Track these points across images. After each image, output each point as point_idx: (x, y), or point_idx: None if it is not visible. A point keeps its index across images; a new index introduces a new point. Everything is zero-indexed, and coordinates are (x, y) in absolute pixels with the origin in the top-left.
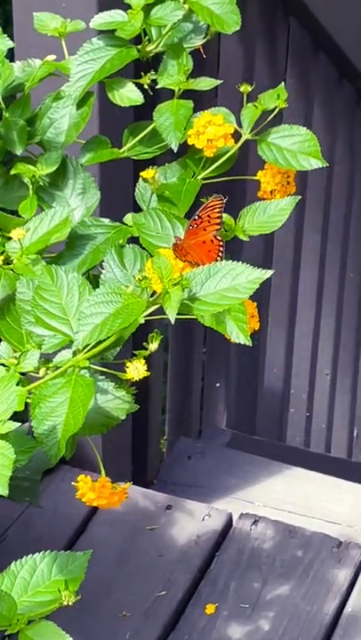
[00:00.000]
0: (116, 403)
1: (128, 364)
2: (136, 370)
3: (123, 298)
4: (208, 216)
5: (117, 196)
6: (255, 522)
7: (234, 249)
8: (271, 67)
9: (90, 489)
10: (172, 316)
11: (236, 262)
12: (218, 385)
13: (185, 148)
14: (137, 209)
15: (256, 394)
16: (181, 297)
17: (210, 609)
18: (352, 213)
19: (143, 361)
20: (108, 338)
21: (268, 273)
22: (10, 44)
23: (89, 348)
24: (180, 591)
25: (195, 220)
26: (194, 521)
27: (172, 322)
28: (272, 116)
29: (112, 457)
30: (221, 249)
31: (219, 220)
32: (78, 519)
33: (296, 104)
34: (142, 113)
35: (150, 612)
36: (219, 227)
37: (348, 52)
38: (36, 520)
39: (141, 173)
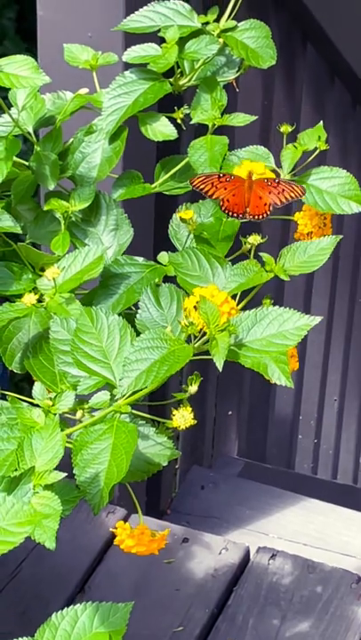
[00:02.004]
0: (158, 449)
1: (175, 411)
2: (183, 418)
3: (168, 344)
4: (283, 189)
5: (138, 231)
6: (273, 556)
7: None
8: (289, 93)
9: (128, 536)
10: (219, 363)
11: (282, 308)
12: (230, 413)
13: None
14: (159, 244)
15: (267, 421)
16: (229, 343)
17: None
18: None
19: (190, 409)
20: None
21: (317, 319)
22: (46, 79)
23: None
24: (198, 627)
25: (274, 180)
26: (211, 554)
27: (220, 369)
28: (312, 157)
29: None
30: (266, 215)
31: (286, 200)
32: (95, 551)
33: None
34: (166, 146)
35: None
36: (283, 202)
37: None
38: (51, 551)
39: (179, 214)
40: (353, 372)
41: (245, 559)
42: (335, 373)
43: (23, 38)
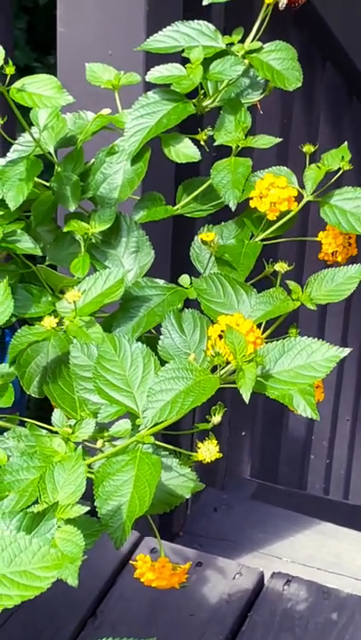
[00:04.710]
0: (181, 480)
1: (200, 444)
2: (208, 451)
3: (194, 374)
4: None
5: (156, 253)
6: (288, 581)
7: None
8: (307, 111)
9: (149, 569)
10: (246, 395)
11: (311, 339)
12: (243, 434)
13: (241, 206)
14: (177, 266)
15: (280, 441)
16: (256, 375)
17: None
18: None
19: (215, 442)
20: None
21: (346, 351)
22: (69, 99)
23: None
24: None
25: None
26: (225, 579)
27: (246, 402)
28: (335, 177)
29: None
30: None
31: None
32: (107, 573)
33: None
34: (185, 167)
35: None
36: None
37: None
38: None
39: (201, 236)
40: None
41: (260, 584)
42: (348, 393)
43: (33, 49)
